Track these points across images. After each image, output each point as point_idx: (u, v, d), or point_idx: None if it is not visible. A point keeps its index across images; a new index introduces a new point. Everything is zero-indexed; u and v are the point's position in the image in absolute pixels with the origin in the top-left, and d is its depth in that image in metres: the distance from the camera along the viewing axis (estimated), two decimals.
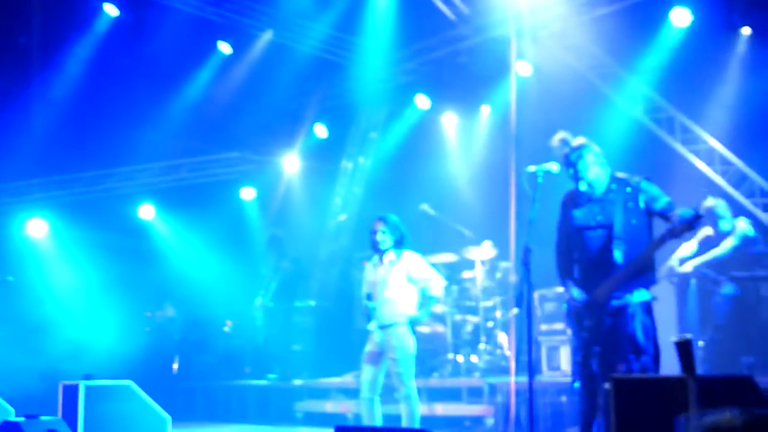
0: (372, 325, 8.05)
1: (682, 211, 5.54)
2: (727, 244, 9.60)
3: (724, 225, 9.65)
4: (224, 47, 13.43)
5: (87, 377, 7.49)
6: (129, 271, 14.76)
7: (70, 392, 7.37)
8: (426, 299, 8.14)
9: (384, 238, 8.07)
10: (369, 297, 8.03)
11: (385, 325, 7.95)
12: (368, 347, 8.06)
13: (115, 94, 13.22)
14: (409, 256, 8.13)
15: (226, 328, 15.20)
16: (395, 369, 7.84)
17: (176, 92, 14.17)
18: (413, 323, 8.07)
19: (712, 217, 9.51)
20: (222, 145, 16.37)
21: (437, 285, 8.19)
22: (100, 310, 14.28)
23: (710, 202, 9.52)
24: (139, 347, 14.51)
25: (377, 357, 7.99)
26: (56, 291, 14.60)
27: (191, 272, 15.64)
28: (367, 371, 8.00)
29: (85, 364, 11.71)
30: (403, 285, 8.03)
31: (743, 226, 9.72)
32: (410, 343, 7.95)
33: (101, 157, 15.16)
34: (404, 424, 7.84)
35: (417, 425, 7.71)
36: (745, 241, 9.64)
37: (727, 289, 9.47)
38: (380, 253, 8.15)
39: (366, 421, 7.93)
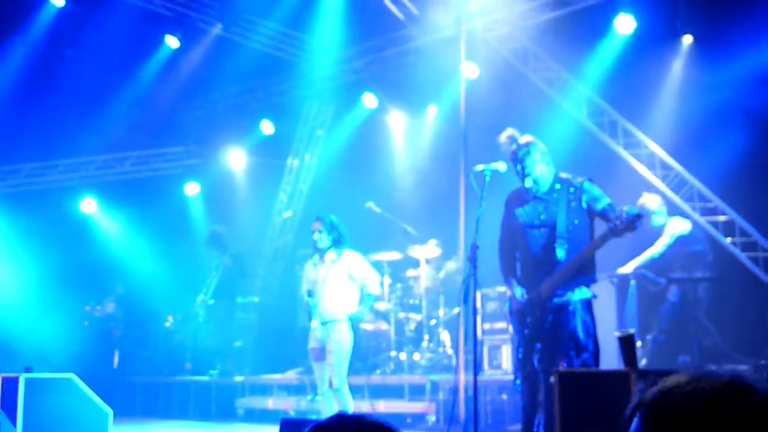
0: (314, 322, 8.29)
1: (627, 209, 5.66)
2: (660, 244, 9.82)
3: (657, 219, 9.92)
4: (172, 41, 13.31)
5: (27, 370, 7.39)
6: (69, 265, 14.59)
7: (10, 384, 7.27)
8: (365, 296, 8.41)
9: (321, 237, 8.33)
10: (310, 294, 8.31)
11: (326, 321, 8.22)
12: (311, 344, 8.36)
13: (59, 84, 13.04)
14: (349, 255, 8.38)
15: (168, 324, 15.08)
16: (330, 360, 8.11)
17: (122, 85, 14.03)
18: (354, 320, 8.35)
19: (645, 213, 9.71)
20: (167, 140, 16.26)
21: (375, 282, 8.50)
22: (39, 304, 14.08)
23: (644, 197, 9.75)
24: (78, 342, 14.36)
25: (321, 353, 8.26)
26: None
27: (133, 267, 15.49)
28: (317, 368, 8.31)
29: (22, 358, 11.56)
30: (343, 283, 8.30)
31: (676, 225, 9.94)
32: (348, 339, 8.22)
33: (43, 148, 14.96)
34: None
35: None
36: (680, 241, 9.86)
37: (674, 295, 9.70)
38: (321, 252, 8.36)
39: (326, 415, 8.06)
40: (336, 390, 8.09)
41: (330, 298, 8.24)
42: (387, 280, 11.51)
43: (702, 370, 1.63)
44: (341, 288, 8.27)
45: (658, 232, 9.98)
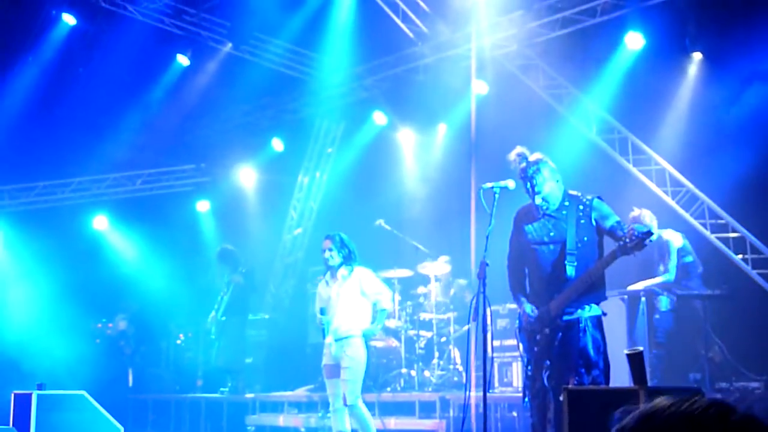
0: (328, 339, 8.30)
1: (636, 227, 5.67)
2: (671, 264, 9.76)
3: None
4: (182, 59, 13.41)
5: (39, 387, 7.43)
6: (81, 282, 14.65)
7: (23, 401, 7.31)
8: (378, 312, 8.41)
9: (332, 255, 8.35)
10: (323, 312, 8.34)
11: (340, 338, 8.24)
12: (324, 360, 8.38)
13: (72, 103, 13.14)
14: (360, 271, 8.40)
15: (179, 341, 15.11)
16: (344, 377, 8.12)
17: (133, 103, 14.12)
18: (367, 336, 8.36)
19: None
20: (178, 157, 16.34)
21: (387, 298, 8.55)
22: (51, 321, 14.13)
23: (636, 212, 9.71)
24: (90, 359, 14.37)
25: (335, 369, 8.26)
26: (7, 301, 14.42)
27: (144, 285, 15.54)
28: (330, 385, 8.31)
29: (34, 375, 11.60)
30: (356, 299, 8.32)
31: (676, 240, 9.85)
32: (362, 355, 8.24)
33: (55, 166, 15.04)
34: None
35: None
36: (679, 253, 9.84)
37: (664, 305, 9.61)
38: (332, 269, 8.40)
39: None
40: (351, 407, 8.09)
41: (343, 315, 8.27)
42: (397, 297, 11.51)
43: (697, 391, 1.63)
44: (354, 305, 8.29)
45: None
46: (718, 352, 9.49)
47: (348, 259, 8.36)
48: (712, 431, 1.55)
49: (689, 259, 9.94)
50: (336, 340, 8.24)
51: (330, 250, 8.33)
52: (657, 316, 9.60)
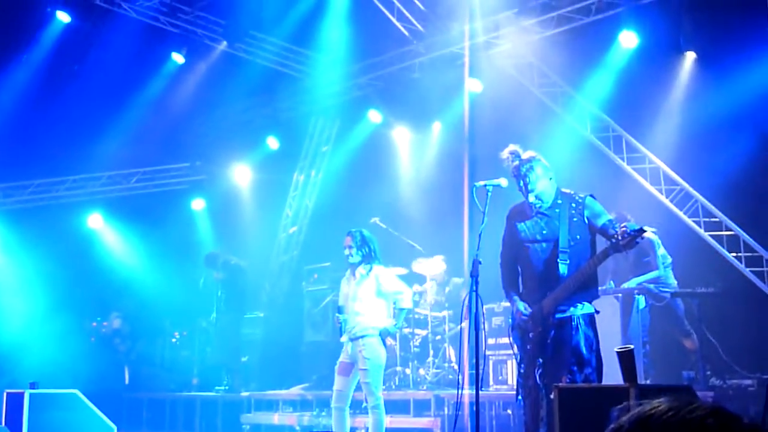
0: (344, 338, 8.25)
1: (628, 225, 5.67)
2: (659, 261, 9.77)
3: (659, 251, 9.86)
4: (178, 57, 13.39)
5: (32, 386, 7.42)
6: (76, 280, 14.64)
7: (15, 400, 7.29)
8: (398, 311, 8.32)
9: (351, 253, 8.21)
10: (340, 310, 8.26)
11: (356, 337, 8.12)
12: (341, 358, 8.27)
13: (66, 101, 13.11)
14: (379, 270, 8.25)
15: (174, 340, 15.10)
16: (364, 379, 8.01)
17: (128, 101, 14.10)
18: (384, 335, 8.23)
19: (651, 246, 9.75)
20: (173, 156, 16.33)
21: (407, 297, 8.44)
22: (45, 319, 14.11)
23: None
24: (84, 358, 14.36)
25: (349, 368, 8.16)
26: (1, 299, 14.40)
27: (139, 283, 15.53)
28: (338, 381, 8.19)
29: (28, 373, 11.59)
30: (372, 299, 8.18)
31: (652, 235, 9.86)
32: (380, 354, 8.12)
33: (50, 164, 15.02)
34: None
35: None
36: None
37: (641, 302, 9.62)
38: (352, 267, 8.30)
39: (335, 430, 8.08)
40: (374, 407, 7.98)
41: (359, 314, 8.14)
42: None
43: (689, 395, 1.55)
44: (370, 304, 8.15)
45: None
46: (712, 351, 9.50)
47: (368, 258, 8.20)
48: None
49: (663, 251, 9.94)
50: (351, 340, 8.14)
51: (350, 247, 8.19)
52: (635, 314, 9.61)
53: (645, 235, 5.47)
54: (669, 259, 9.92)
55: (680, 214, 11.04)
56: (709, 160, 10.61)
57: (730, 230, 10.83)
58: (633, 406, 1.61)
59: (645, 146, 11.48)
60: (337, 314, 8.33)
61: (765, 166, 10.20)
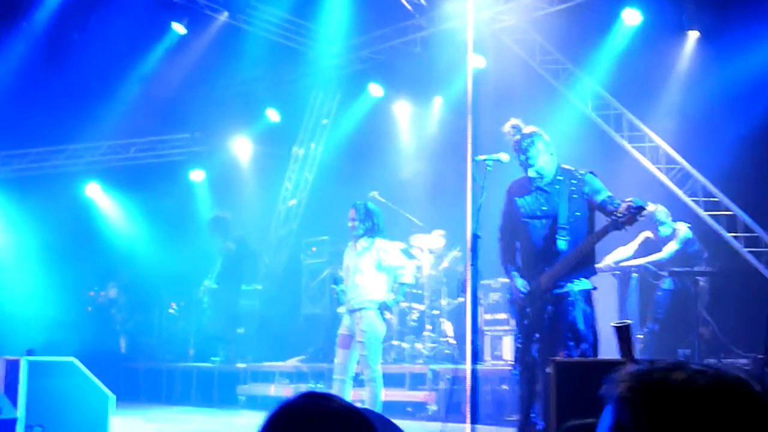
0: (341, 309, 8.28)
1: (631, 200, 5.63)
2: (670, 249, 9.84)
3: (664, 230, 9.94)
4: (178, 28, 13.31)
5: (29, 353, 7.41)
6: (73, 250, 14.63)
7: (12, 367, 7.29)
8: (398, 286, 8.29)
9: (354, 225, 8.20)
10: (336, 281, 8.30)
11: (354, 309, 8.11)
12: (340, 330, 8.26)
13: (66, 70, 13.03)
14: (381, 244, 8.22)
15: (171, 310, 15.13)
16: (362, 352, 8.01)
17: (128, 71, 14.05)
18: (383, 309, 8.20)
19: (653, 222, 9.79)
20: (173, 126, 16.28)
21: (409, 272, 8.39)
22: (42, 288, 14.13)
23: (651, 207, 9.71)
24: (81, 327, 14.40)
25: (348, 340, 8.15)
26: None
27: (137, 253, 15.54)
28: (339, 354, 8.17)
29: (25, 341, 11.60)
30: (372, 272, 8.15)
31: (684, 230, 9.96)
32: (378, 328, 8.10)
33: (49, 133, 14.97)
34: (367, 405, 7.97)
35: (379, 408, 7.88)
36: (685, 244, 9.90)
37: (667, 284, 9.70)
38: (355, 239, 8.28)
39: None
40: (370, 380, 7.99)
41: (358, 286, 8.12)
42: None
43: (700, 363, 1.43)
44: (369, 277, 8.12)
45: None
46: (708, 329, 9.53)
47: (370, 231, 8.18)
48: (741, 408, 1.36)
49: (695, 248, 9.99)
50: (349, 312, 8.14)
51: (353, 220, 8.18)
52: (659, 293, 9.67)
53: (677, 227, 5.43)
54: (705, 254, 9.98)
55: (679, 193, 11.04)
56: (710, 139, 10.59)
57: (729, 210, 10.83)
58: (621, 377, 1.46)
59: (646, 125, 11.46)
60: (332, 285, 8.33)
61: (766, 146, 10.18)
